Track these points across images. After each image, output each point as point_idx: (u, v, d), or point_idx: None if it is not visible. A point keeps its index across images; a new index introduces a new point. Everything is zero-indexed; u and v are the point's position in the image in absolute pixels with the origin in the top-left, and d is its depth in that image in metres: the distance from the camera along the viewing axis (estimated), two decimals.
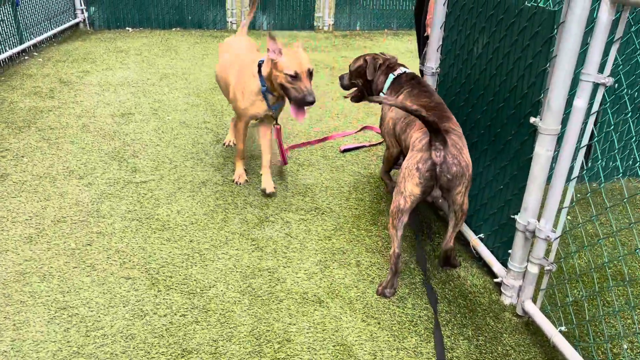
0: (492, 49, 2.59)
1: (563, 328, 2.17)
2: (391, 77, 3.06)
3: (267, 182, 3.38)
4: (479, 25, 2.70)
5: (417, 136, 2.47)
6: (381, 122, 3.12)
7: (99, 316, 2.31)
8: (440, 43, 3.14)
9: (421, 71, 3.80)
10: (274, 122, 3.35)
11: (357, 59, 3.28)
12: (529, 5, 2.27)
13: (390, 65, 3.13)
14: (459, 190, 2.40)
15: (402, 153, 2.93)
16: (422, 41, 3.73)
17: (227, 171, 3.65)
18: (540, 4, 2.27)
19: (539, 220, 2.27)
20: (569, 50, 1.99)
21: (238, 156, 3.50)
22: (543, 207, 2.25)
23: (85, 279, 2.53)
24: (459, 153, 2.36)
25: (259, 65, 3.12)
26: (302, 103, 2.91)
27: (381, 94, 3.12)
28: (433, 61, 3.22)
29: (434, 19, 3.11)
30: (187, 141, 4.11)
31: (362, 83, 3.27)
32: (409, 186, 2.37)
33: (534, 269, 2.32)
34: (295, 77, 2.90)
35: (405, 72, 3.04)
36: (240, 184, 3.47)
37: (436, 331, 2.30)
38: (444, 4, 3.03)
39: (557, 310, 2.35)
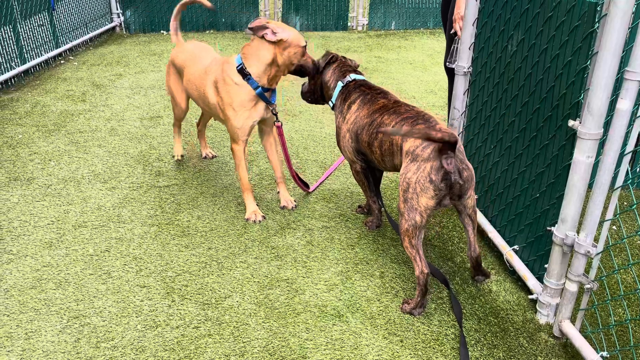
0: (528, 46, 2.40)
1: (605, 353, 1.97)
2: (340, 85, 2.82)
3: (286, 198, 3.19)
4: (514, 21, 2.51)
5: (416, 144, 2.25)
6: (337, 136, 2.84)
7: (111, 326, 2.24)
8: (473, 40, 2.96)
9: (447, 68, 3.60)
10: (275, 120, 3.00)
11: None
12: None
13: (342, 70, 2.86)
14: (470, 193, 2.30)
15: (370, 163, 2.73)
16: (449, 38, 3.52)
17: (252, 175, 3.56)
18: None
19: (578, 234, 2.07)
20: (612, 47, 1.79)
21: (245, 189, 3.05)
22: (583, 218, 2.04)
23: (101, 286, 2.48)
24: (463, 156, 2.26)
25: (241, 70, 2.81)
26: (316, 69, 2.89)
27: (330, 102, 2.90)
28: (465, 60, 3.03)
29: (466, 15, 2.92)
30: (212, 144, 4.05)
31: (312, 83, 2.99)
32: (423, 200, 2.20)
33: (572, 287, 2.12)
34: (306, 46, 2.83)
35: (354, 79, 2.81)
36: (258, 221, 3.02)
37: (462, 349, 2.13)
38: None
39: (598, 332, 2.14)
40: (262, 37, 2.74)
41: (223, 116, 2.92)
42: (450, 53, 3.41)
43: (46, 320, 2.27)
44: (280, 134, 3.06)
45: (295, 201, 3.21)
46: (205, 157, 3.81)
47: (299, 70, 2.88)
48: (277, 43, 2.75)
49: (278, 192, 3.23)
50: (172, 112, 4.18)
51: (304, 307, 2.38)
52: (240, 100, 2.83)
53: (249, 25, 2.72)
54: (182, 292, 2.46)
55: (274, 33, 2.71)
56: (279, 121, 3.01)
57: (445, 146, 2.14)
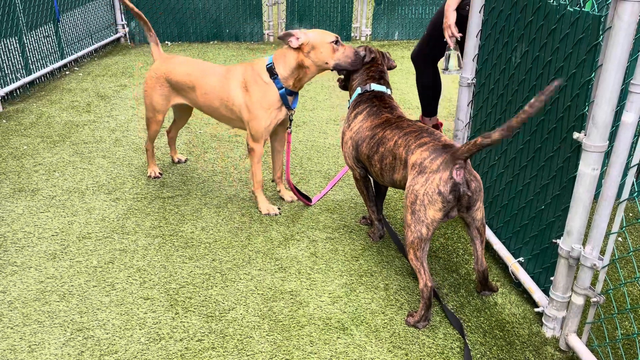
0: (532, 58, 2.40)
1: None
2: (358, 90, 2.84)
3: (288, 193, 3.41)
4: (517, 33, 2.51)
5: (424, 156, 2.25)
6: (341, 140, 2.87)
7: (114, 339, 2.24)
8: (477, 52, 2.96)
9: (413, 60, 3.95)
10: (288, 126, 3.18)
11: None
12: (572, 10, 2.08)
13: (369, 76, 2.84)
14: (478, 205, 2.27)
15: (369, 175, 2.77)
16: (431, 44, 3.78)
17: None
18: (585, 8, 2.07)
19: (584, 246, 2.05)
20: (616, 59, 1.79)
21: (259, 187, 3.24)
22: (589, 230, 2.03)
23: (104, 298, 2.48)
24: (470, 167, 2.25)
25: (270, 70, 2.97)
26: (358, 62, 2.87)
27: (349, 100, 2.92)
28: (469, 71, 3.04)
29: (469, 27, 2.94)
30: (217, 155, 4.05)
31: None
32: (430, 213, 2.19)
33: (578, 300, 2.10)
34: (337, 42, 2.88)
35: (372, 89, 2.80)
36: (277, 214, 3.21)
37: None
38: (479, 12, 2.86)
39: (605, 346, 2.12)
40: (288, 44, 2.91)
41: (249, 116, 3.04)
42: (445, 59, 3.52)
43: (50, 332, 2.26)
44: (288, 141, 3.20)
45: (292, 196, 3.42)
46: (178, 162, 3.90)
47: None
48: (301, 48, 2.89)
49: (279, 191, 3.42)
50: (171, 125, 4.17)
51: (308, 319, 2.37)
52: (269, 99, 2.99)
53: (278, 36, 2.90)
54: (185, 304, 2.45)
55: (297, 39, 2.88)
56: (290, 128, 3.18)
57: (457, 156, 2.13)
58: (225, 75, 3.12)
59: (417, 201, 2.21)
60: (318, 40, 2.86)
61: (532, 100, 1.84)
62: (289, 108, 3.07)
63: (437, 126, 4.27)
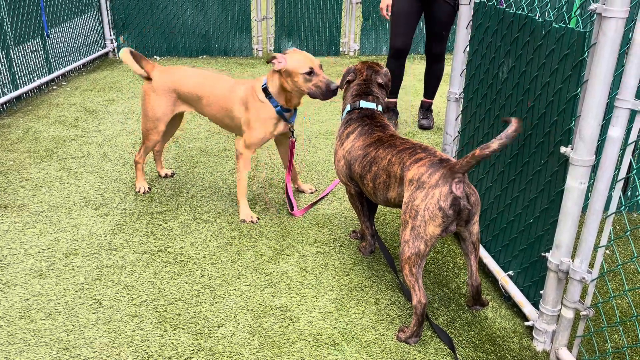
0: (518, 73, 2.43)
1: None
2: (348, 108, 2.84)
3: (305, 187, 3.70)
4: (504, 49, 2.55)
5: (421, 171, 2.23)
6: (334, 157, 2.85)
7: (102, 358, 2.20)
8: (464, 67, 3.00)
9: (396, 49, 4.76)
10: (290, 136, 3.32)
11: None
12: (557, 26, 2.11)
13: (358, 93, 2.82)
14: (476, 219, 2.26)
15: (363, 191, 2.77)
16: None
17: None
18: (570, 25, 2.11)
19: (573, 260, 2.07)
20: (602, 75, 1.81)
21: (243, 193, 3.32)
22: (577, 243, 2.05)
23: (91, 316, 2.44)
24: (467, 180, 2.24)
25: (265, 90, 3.09)
26: (329, 94, 2.95)
27: (341, 116, 2.93)
28: (456, 86, 3.07)
29: (457, 42, 2.97)
30: (206, 170, 4.04)
31: None
32: (430, 229, 2.17)
33: (568, 314, 2.11)
34: (311, 72, 2.94)
35: (361, 107, 2.79)
36: (254, 222, 3.27)
37: None
38: (466, 27, 2.90)
39: (595, 359, 2.12)
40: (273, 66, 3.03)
41: (246, 127, 3.17)
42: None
43: (35, 351, 2.22)
44: (292, 148, 3.36)
45: (312, 188, 3.70)
46: (165, 176, 3.90)
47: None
48: (282, 71, 2.99)
49: (297, 187, 3.69)
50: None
51: (298, 335, 2.35)
52: (264, 116, 3.12)
53: (266, 59, 3.03)
54: (174, 321, 2.42)
55: (279, 62, 2.97)
56: (294, 137, 3.32)
57: (456, 170, 2.14)
58: (230, 89, 3.25)
59: (418, 217, 2.18)
60: (292, 68, 2.94)
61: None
62: (287, 121, 3.20)
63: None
